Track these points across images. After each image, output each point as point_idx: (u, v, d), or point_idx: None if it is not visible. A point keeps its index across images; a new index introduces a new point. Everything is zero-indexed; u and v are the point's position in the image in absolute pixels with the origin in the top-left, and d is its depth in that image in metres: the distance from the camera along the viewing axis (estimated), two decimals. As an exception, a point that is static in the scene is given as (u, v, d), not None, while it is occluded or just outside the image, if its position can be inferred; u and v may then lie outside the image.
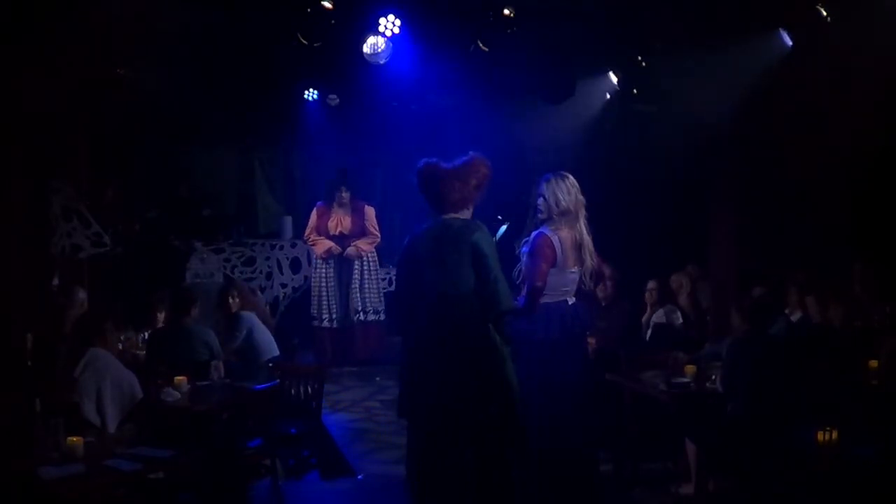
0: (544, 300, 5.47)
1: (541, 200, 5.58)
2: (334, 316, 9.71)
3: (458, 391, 4.97)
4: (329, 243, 9.71)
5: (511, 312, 5.11)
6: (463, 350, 4.98)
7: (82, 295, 8.03)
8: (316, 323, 9.77)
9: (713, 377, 6.16)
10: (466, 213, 5.18)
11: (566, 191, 5.57)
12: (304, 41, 8.87)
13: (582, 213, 5.59)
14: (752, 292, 7.42)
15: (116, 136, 9.64)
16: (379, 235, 9.87)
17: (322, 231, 9.71)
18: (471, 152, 5.25)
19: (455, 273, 5.02)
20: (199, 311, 7.17)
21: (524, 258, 5.58)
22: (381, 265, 10.15)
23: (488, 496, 5.05)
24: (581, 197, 5.59)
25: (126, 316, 7.82)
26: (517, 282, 5.60)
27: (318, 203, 9.90)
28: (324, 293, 9.74)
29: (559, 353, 5.54)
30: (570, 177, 5.62)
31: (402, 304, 5.29)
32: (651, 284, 8.14)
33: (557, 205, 5.53)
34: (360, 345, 9.78)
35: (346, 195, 9.78)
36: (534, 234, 5.53)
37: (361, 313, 9.77)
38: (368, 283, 9.79)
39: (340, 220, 9.70)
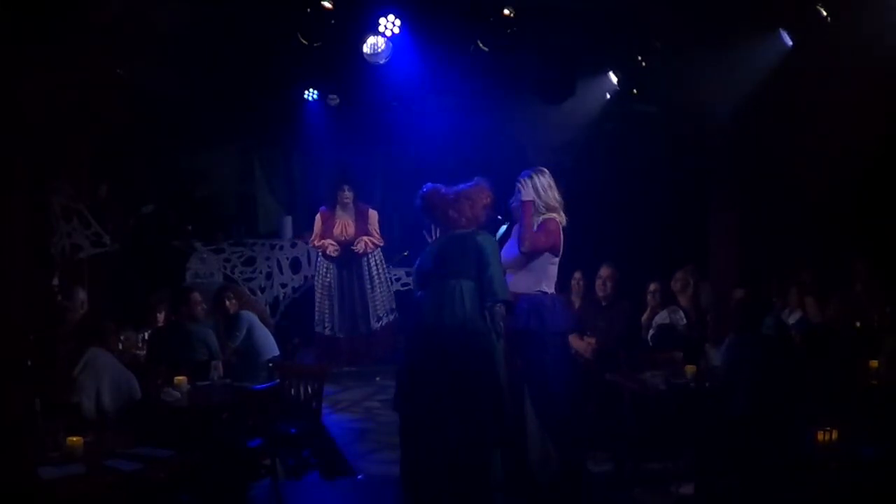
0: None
1: (518, 197, 5.65)
2: (337, 325, 9.54)
3: (450, 377, 5.16)
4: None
5: (506, 303, 5.26)
6: (458, 334, 5.16)
7: (82, 295, 8.03)
8: (319, 329, 9.62)
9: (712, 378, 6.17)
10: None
11: (547, 186, 5.62)
12: (304, 41, 8.86)
13: (562, 207, 5.64)
14: (735, 294, 7.42)
15: (116, 136, 9.62)
16: (381, 241, 9.69)
17: (327, 237, 9.50)
18: (476, 178, 5.47)
19: (457, 266, 5.24)
20: (202, 311, 7.18)
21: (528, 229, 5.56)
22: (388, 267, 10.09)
23: (465, 482, 5.17)
24: (556, 189, 5.67)
25: (126, 316, 7.82)
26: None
27: (322, 208, 9.67)
28: (326, 301, 9.56)
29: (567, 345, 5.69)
30: (547, 171, 5.70)
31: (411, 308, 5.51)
32: (653, 286, 8.11)
33: (540, 199, 5.59)
34: (378, 349, 9.61)
35: (349, 194, 9.55)
36: (542, 218, 5.56)
37: (382, 320, 9.62)
38: (380, 288, 9.65)
39: (345, 227, 9.50)
